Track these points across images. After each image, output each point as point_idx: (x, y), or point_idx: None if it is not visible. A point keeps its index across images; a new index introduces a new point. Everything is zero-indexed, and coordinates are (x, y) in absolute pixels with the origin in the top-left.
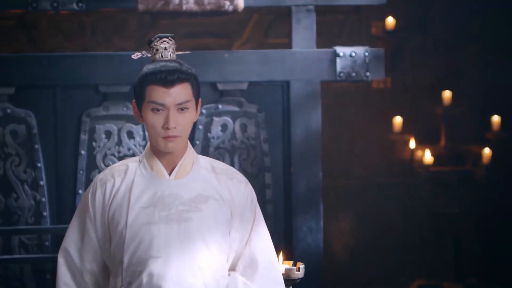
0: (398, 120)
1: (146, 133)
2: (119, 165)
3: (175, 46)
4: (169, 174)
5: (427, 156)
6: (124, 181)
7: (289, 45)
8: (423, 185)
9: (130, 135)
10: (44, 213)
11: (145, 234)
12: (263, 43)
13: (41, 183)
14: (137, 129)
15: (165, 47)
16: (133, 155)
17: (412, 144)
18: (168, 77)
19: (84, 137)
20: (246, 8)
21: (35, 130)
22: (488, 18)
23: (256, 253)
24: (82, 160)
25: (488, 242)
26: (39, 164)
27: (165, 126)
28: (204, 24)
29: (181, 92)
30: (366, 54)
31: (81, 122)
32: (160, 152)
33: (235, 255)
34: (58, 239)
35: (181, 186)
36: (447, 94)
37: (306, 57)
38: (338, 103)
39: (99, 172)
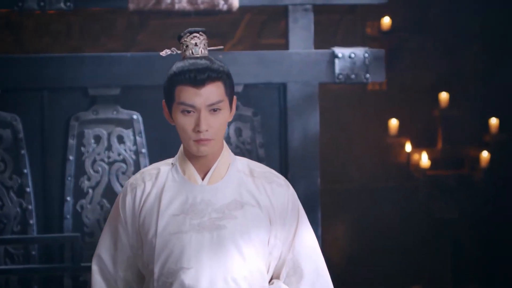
0: (394, 122)
1: (137, 138)
2: (150, 169)
3: (207, 41)
4: (202, 179)
5: (424, 160)
6: (155, 185)
7: (285, 46)
8: (421, 189)
9: (121, 139)
10: (31, 221)
11: (175, 244)
12: (256, 43)
13: (28, 190)
14: (128, 134)
15: (196, 42)
16: (123, 160)
17: (408, 147)
18: (197, 76)
19: (72, 142)
20: (241, 7)
21: (21, 135)
22: (488, 18)
23: (300, 260)
24: (70, 166)
25: (488, 247)
26: (25, 170)
27: (196, 129)
28: (195, 24)
29: (212, 92)
30: (366, 55)
31: (69, 127)
32: (192, 155)
33: (278, 263)
34: (45, 249)
35: (215, 191)
36: (444, 96)
37: (304, 58)
38: (334, 106)
39: (88, 178)
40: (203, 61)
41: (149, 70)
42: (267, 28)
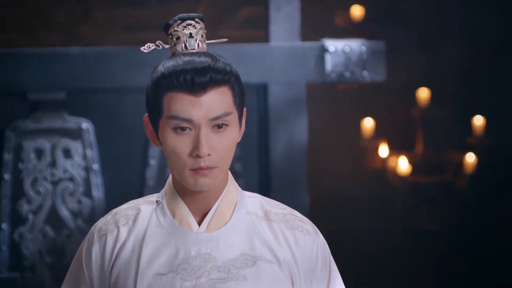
0: (368, 124)
1: (87, 151)
2: (126, 208)
3: (205, 31)
4: (199, 224)
5: (402, 166)
6: (132, 232)
7: (265, 38)
8: (399, 198)
9: (67, 153)
10: None
11: None
12: (214, 35)
13: None
14: (76, 146)
15: (191, 33)
16: (71, 179)
17: (385, 151)
18: (196, 78)
19: (8, 157)
20: None
21: None
22: (470, 8)
23: None
24: (6, 186)
25: (473, 261)
26: None
27: (195, 153)
28: (145, 16)
29: (216, 101)
30: (363, 48)
31: (4, 138)
32: (186, 190)
33: None
34: None
35: (216, 242)
36: (423, 94)
37: (288, 53)
38: None
39: (28, 201)
40: (202, 58)
41: (101, 69)
42: (226, 18)
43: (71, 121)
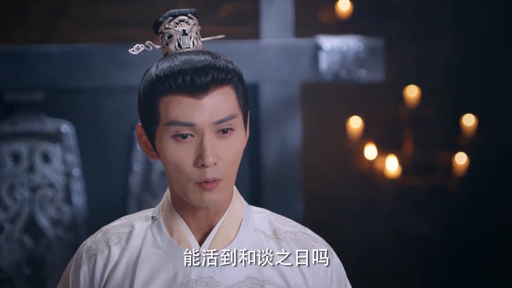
0: (354, 124)
1: (67, 155)
2: (118, 226)
3: (200, 28)
4: (200, 244)
5: (390, 167)
6: (125, 252)
7: (254, 35)
8: (387, 201)
9: (46, 158)
10: None
11: None
12: None
13: None
14: (55, 151)
15: (184, 30)
16: (50, 185)
17: (372, 152)
18: (196, 79)
19: None
20: None
21: None
22: (461, 5)
23: None
24: None
25: (465, 270)
26: None
27: (199, 163)
28: (125, 12)
29: (220, 103)
30: (360, 46)
31: None
32: (186, 205)
33: None
34: None
35: (219, 264)
36: (412, 93)
37: (281, 51)
38: None
39: (4, 209)
40: (201, 57)
41: (82, 68)
42: (208, 13)
43: (50, 124)
